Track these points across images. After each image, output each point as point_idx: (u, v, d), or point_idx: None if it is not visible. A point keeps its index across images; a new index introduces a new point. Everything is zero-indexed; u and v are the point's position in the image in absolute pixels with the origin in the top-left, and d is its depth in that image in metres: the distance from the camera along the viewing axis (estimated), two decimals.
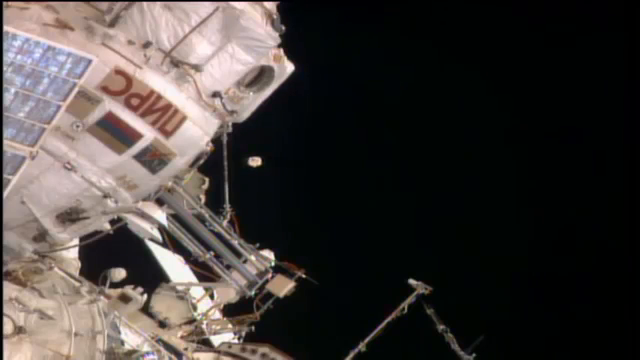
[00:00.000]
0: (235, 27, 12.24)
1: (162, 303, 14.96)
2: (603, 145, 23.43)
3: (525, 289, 22.77)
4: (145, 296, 13.05)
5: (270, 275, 14.48)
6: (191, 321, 15.07)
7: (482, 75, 23.01)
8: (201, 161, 13.22)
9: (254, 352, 14.09)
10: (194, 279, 15.43)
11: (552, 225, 23.40)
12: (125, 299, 12.81)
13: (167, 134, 12.34)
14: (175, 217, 13.79)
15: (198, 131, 12.58)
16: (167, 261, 16.03)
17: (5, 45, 10.65)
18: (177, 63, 12.18)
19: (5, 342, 11.63)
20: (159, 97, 12.16)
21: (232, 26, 12.24)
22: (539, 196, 23.62)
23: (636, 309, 21.89)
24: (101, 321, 12.65)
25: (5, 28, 10.68)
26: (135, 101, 12.08)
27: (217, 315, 15.51)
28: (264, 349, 14.05)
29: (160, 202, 13.24)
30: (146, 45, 12.07)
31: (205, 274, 14.43)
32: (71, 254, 14.01)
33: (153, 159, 12.44)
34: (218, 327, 15.31)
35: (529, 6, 22.56)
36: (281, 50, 12.95)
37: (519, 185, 23.54)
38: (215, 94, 12.54)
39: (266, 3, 12.56)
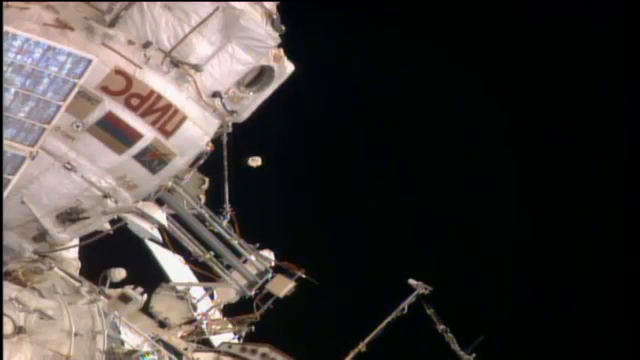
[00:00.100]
0: (235, 27, 12.24)
1: (162, 303, 14.97)
2: (603, 145, 23.44)
3: (525, 289, 22.77)
4: (145, 296, 13.05)
5: (270, 275, 14.49)
6: (191, 321, 15.07)
7: (482, 75, 23.01)
8: (201, 161, 13.22)
9: (254, 352, 14.09)
10: (194, 279, 15.43)
11: (552, 225, 23.40)
12: (125, 299, 12.81)
13: (167, 134, 12.34)
14: (175, 217, 13.80)
15: (198, 131, 12.58)
16: (167, 261, 16.03)
17: (5, 45, 10.65)
18: (177, 63, 12.18)
19: (5, 342, 11.62)
20: (159, 97, 12.16)
21: (232, 26, 12.24)
22: (539, 196, 23.62)
23: (636, 309, 21.89)
24: (101, 321, 12.65)
25: (5, 28, 10.68)
26: (135, 101, 12.07)
27: (217, 315, 15.51)
28: (264, 349, 14.05)
29: (160, 202, 13.24)
30: (146, 45, 12.07)
31: (205, 274, 14.44)
32: (71, 254, 14.01)
33: (153, 159, 12.44)
34: (218, 327, 15.31)
35: (529, 6, 22.57)
36: (281, 50, 12.95)
37: (519, 185, 23.54)
38: (215, 94, 12.54)
39: (266, 3, 12.55)
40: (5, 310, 11.77)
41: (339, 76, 22.24)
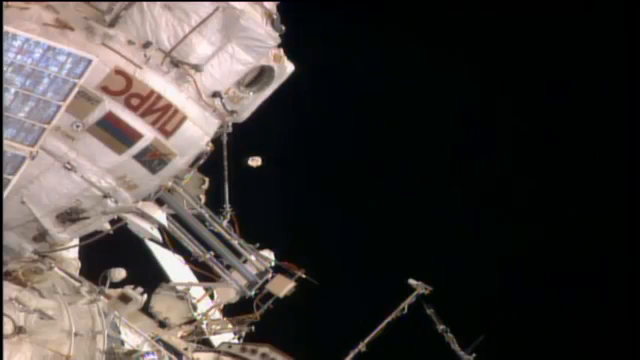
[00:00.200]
0: (235, 27, 12.24)
1: (162, 303, 14.97)
2: (603, 145, 23.44)
3: (525, 289, 22.76)
4: (145, 296, 13.04)
5: (270, 275, 14.48)
6: (191, 321, 15.08)
7: (482, 75, 23.01)
8: (201, 161, 13.22)
9: (254, 352, 14.09)
10: (194, 279, 15.43)
11: (552, 225, 23.39)
12: (125, 299, 12.81)
13: (167, 134, 12.34)
14: (175, 217, 13.79)
15: (198, 131, 12.58)
16: (167, 261, 16.04)
17: (5, 45, 10.65)
18: (177, 63, 12.18)
19: (5, 342, 11.62)
20: (159, 97, 12.16)
21: (232, 26, 12.24)
22: (539, 196, 23.62)
23: (636, 309, 21.89)
24: (101, 321, 12.65)
25: (5, 28, 10.68)
26: (135, 101, 12.07)
27: (217, 315, 15.52)
28: (264, 349, 14.05)
29: (160, 202, 13.24)
30: (146, 45, 12.07)
31: (205, 274, 14.43)
32: (71, 254, 14.01)
33: (153, 159, 12.44)
34: (218, 327, 15.31)
35: (529, 6, 22.56)
36: (281, 50, 12.94)
37: (519, 185, 23.54)
38: (215, 94, 12.54)
39: (266, 3, 12.55)
40: (5, 310, 11.77)
41: (339, 76, 22.23)
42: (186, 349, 14.04)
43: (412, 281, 14.93)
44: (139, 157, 12.37)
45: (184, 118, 12.36)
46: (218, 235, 14.30)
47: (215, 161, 13.80)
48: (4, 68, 10.72)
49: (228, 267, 14.30)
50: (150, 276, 15.39)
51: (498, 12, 22.49)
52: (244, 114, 13.27)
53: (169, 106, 12.23)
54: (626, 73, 22.77)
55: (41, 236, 12.79)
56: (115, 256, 13.71)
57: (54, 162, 12.15)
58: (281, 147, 19.55)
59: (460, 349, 14.92)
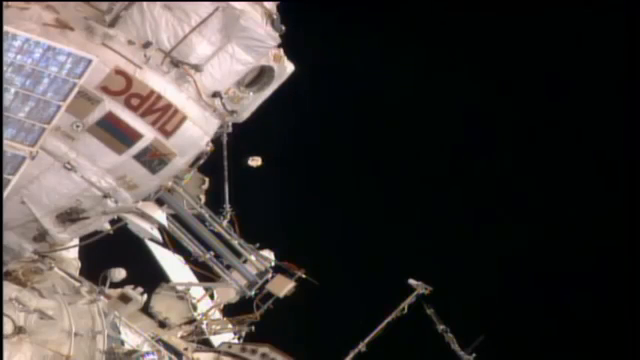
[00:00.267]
0: (235, 27, 12.24)
1: (162, 303, 14.97)
2: (603, 145, 23.44)
3: (525, 289, 22.77)
4: (145, 296, 13.05)
5: (270, 275, 14.49)
6: (191, 321, 15.08)
7: (482, 75, 23.01)
8: (201, 161, 13.22)
9: (254, 352, 14.09)
10: (194, 279, 15.43)
11: (552, 225, 23.40)
12: (125, 299, 12.81)
13: (167, 134, 12.34)
14: (175, 217, 13.79)
15: (198, 131, 12.57)
16: (167, 261, 16.03)
17: (5, 45, 10.65)
18: (177, 63, 12.17)
19: (5, 342, 11.62)
20: (159, 97, 12.16)
21: (232, 26, 12.23)
22: (539, 196, 23.62)
23: (636, 309, 21.89)
24: (101, 321, 12.65)
25: (5, 28, 10.68)
26: (135, 101, 12.07)
27: (217, 315, 15.52)
28: (264, 349, 14.05)
29: (160, 202, 13.24)
30: (146, 45, 12.06)
31: (205, 274, 14.44)
32: (71, 254, 14.02)
33: (153, 159, 12.44)
34: (218, 327, 15.31)
35: (529, 6, 22.56)
36: (281, 50, 12.94)
37: (519, 185, 23.54)
38: (215, 94, 12.53)
39: (266, 3, 12.55)
40: (5, 310, 11.77)
41: (339, 76, 22.24)
42: (186, 349, 14.04)
43: (412, 281, 14.93)
44: (139, 157, 12.37)
45: (184, 118, 12.36)
46: (218, 235, 14.31)
47: (215, 161, 13.80)
48: (4, 68, 10.72)
49: (228, 267, 14.30)
50: (150, 276, 15.39)
51: (498, 12, 22.49)
52: (244, 114, 13.27)
53: (169, 106, 12.23)
54: (626, 73, 22.78)
55: (41, 236, 12.79)
56: (115, 256, 13.71)
57: (54, 162, 12.15)
58: (281, 147, 19.56)
59: (460, 349, 14.92)
